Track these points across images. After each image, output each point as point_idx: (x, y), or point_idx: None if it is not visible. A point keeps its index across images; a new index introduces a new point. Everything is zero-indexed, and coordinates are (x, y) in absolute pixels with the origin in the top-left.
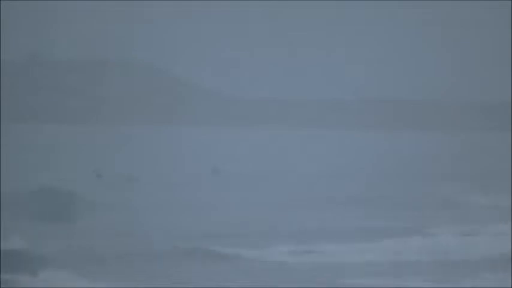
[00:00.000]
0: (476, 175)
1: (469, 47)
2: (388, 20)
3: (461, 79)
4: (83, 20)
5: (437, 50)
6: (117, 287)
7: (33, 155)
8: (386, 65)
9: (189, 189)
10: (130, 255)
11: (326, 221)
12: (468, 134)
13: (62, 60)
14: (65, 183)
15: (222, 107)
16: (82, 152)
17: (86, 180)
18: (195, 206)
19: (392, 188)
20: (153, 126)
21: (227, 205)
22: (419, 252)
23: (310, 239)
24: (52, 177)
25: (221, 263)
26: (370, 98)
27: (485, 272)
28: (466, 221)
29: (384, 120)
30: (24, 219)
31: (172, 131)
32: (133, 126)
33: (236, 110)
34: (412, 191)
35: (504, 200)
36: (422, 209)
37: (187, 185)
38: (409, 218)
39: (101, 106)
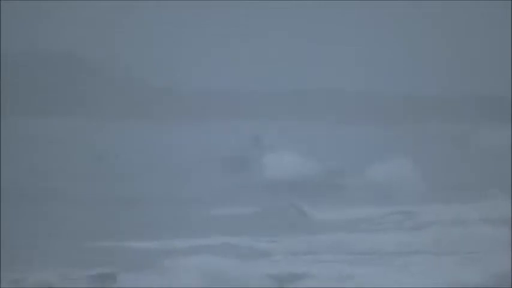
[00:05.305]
0: (475, 172)
1: (469, 43)
2: (387, 15)
3: (460, 76)
4: (81, 17)
5: (437, 46)
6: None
7: (33, 149)
8: (386, 60)
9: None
10: None
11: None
12: (467, 130)
13: (60, 56)
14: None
15: (221, 101)
16: (79, 145)
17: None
18: None
19: (392, 185)
20: (153, 125)
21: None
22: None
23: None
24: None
25: None
26: (370, 93)
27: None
28: (466, 217)
29: (384, 115)
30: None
31: (172, 129)
32: (129, 121)
33: (239, 103)
34: (413, 186)
35: (504, 200)
36: (423, 204)
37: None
38: (409, 211)
39: (97, 102)
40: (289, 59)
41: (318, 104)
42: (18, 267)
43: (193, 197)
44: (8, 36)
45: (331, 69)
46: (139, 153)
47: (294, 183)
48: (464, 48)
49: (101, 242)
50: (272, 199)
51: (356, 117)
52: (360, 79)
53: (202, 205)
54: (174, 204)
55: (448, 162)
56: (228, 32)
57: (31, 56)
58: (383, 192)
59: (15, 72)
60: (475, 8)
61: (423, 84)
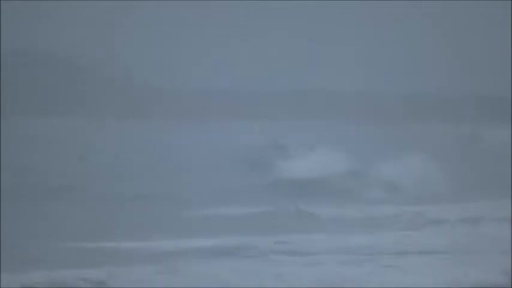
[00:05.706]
0: (475, 171)
1: (469, 43)
2: (387, 15)
3: (461, 76)
4: (81, 17)
5: (437, 46)
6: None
7: (33, 149)
8: (386, 60)
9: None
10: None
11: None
12: (467, 130)
13: (60, 56)
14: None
15: (221, 101)
16: (79, 145)
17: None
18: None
19: (392, 185)
20: (153, 125)
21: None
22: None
23: None
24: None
25: None
26: (370, 92)
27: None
28: (466, 217)
29: (384, 115)
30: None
31: (172, 129)
32: (129, 121)
33: (239, 103)
34: (412, 186)
35: (504, 199)
36: (423, 204)
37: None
38: (409, 211)
39: (97, 102)
40: (289, 59)
41: (318, 104)
42: (18, 267)
43: (193, 197)
44: (8, 36)
45: (331, 69)
46: (139, 153)
47: (295, 182)
48: (464, 48)
49: (101, 242)
50: (273, 199)
51: (356, 117)
52: (360, 79)
53: (202, 205)
54: (174, 204)
55: (448, 162)
56: (228, 32)
57: (31, 56)
58: (383, 192)
59: (15, 72)
60: (475, 8)
61: (423, 84)
